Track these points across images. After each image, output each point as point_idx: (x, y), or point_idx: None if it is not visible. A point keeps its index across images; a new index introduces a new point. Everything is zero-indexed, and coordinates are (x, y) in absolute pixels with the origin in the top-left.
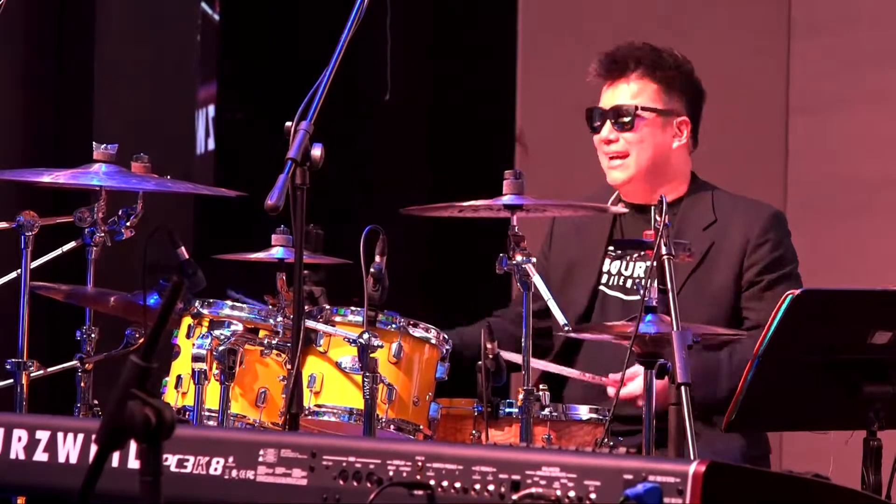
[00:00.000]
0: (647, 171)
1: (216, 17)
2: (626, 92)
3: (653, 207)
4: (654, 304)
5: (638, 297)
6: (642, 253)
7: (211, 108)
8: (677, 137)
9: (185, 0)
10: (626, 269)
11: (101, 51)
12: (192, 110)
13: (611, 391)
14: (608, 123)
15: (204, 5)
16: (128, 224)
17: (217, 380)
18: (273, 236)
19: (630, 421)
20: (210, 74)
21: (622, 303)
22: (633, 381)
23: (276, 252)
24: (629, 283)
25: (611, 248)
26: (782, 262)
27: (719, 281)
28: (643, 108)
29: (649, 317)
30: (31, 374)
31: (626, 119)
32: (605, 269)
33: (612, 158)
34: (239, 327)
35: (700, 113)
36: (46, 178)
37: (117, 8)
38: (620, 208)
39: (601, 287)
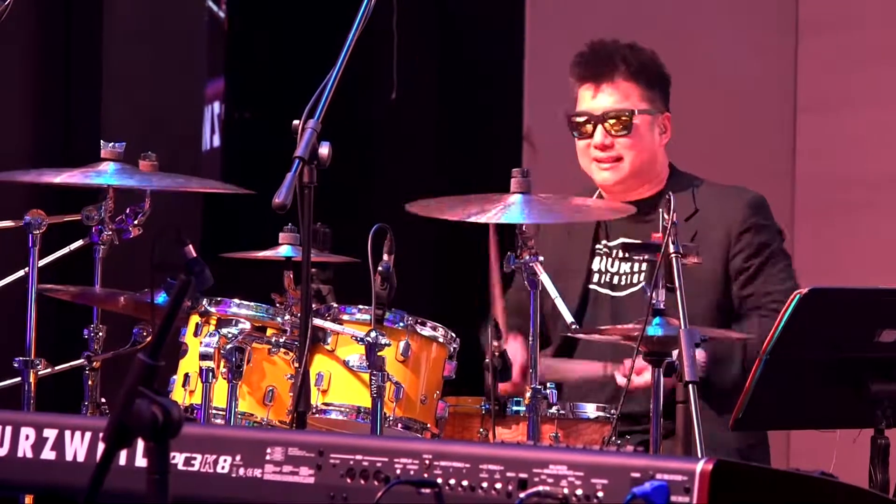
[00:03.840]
0: (638, 172)
1: (222, 14)
2: (614, 95)
3: (661, 210)
4: (662, 306)
5: (626, 293)
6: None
7: (216, 106)
8: (663, 134)
9: None
10: (612, 265)
11: (108, 49)
12: (200, 108)
13: (620, 379)
14: (600, 129)
15: (210, 3)
16: (135, 222)
17: (225, 378)
18: (280, 234)
19: (634, 420)
20: (217, 73)
21: (611, 299)
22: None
23: (284, 250)
24: (615, 280)
25: (598, 245)
26: (768, 244)
27: (704, 270)
28: (639, 112)
29: (657, 319)
30: (39, 373)
31: (623, 124)
32: (594, 267)
33: (602, 162)
34: (247, 325)
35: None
36: (57, 179)
37: (124, 6)
38: (627, 206)
39: (591, 286)
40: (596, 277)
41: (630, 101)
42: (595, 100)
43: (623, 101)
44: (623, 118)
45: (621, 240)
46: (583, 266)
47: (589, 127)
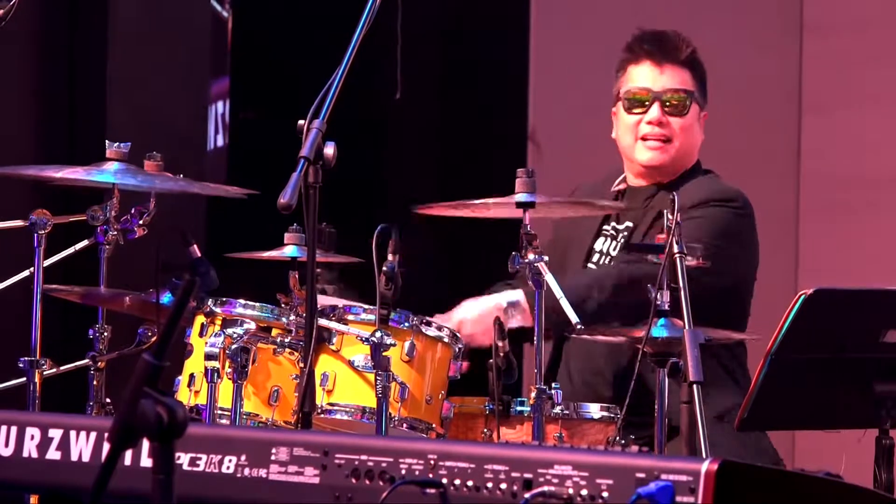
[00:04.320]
0: (678, 159)
1: (226, 14)
2: (675, 76)
3: (665, 211)
4: (667, 307)
5: None
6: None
7: (220, 106)
8: (702, 130)
9: None
10: (613, 249)
11: (113, 50)
12: (204, 108)
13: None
14: (657, 105)
15: (214, 3)
16: (140, 222)
17: (230, 378)
18: (286, 235)
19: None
20: (221, 72)
21: None
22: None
23: (289, 250)
24: (612, 264)
25: (605, 227)
26: (711, 207)
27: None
28: (695, 98)
29: (662, 320)
30: (44, 373)
31: (681, 104)
32: (596, 247)
33: (651, 139)
34: (252, 326)
35: None
36: (59, 174)
37: (128, 7)
38: (617, 203)
39: (590, 265)
40: (596, 258)
41: (689, 85)
42: (660, 77)
43: (685, 85)
44: (682, 99)
45: (628, 223)
46: (585, 245)
47: (645, 102)
